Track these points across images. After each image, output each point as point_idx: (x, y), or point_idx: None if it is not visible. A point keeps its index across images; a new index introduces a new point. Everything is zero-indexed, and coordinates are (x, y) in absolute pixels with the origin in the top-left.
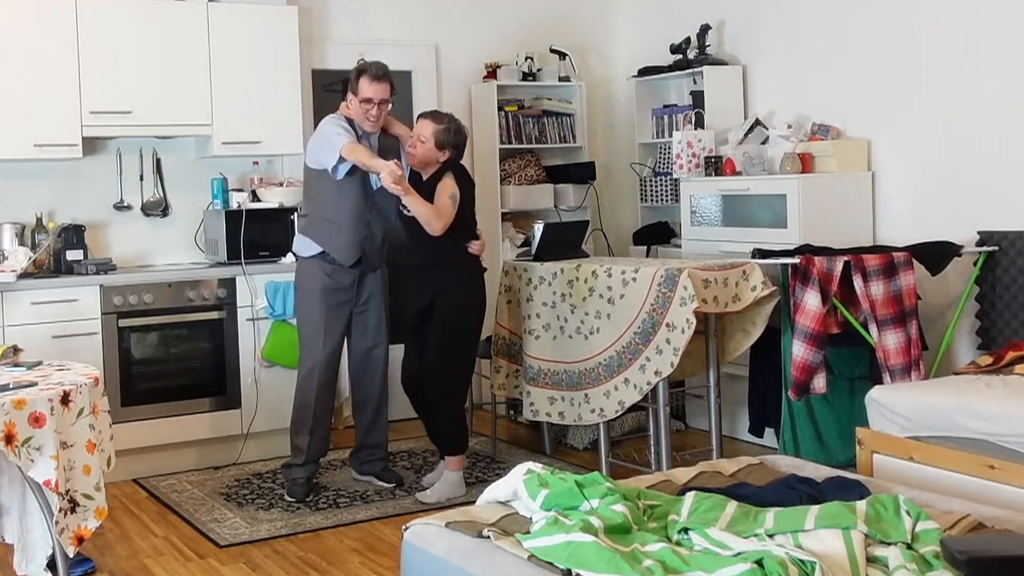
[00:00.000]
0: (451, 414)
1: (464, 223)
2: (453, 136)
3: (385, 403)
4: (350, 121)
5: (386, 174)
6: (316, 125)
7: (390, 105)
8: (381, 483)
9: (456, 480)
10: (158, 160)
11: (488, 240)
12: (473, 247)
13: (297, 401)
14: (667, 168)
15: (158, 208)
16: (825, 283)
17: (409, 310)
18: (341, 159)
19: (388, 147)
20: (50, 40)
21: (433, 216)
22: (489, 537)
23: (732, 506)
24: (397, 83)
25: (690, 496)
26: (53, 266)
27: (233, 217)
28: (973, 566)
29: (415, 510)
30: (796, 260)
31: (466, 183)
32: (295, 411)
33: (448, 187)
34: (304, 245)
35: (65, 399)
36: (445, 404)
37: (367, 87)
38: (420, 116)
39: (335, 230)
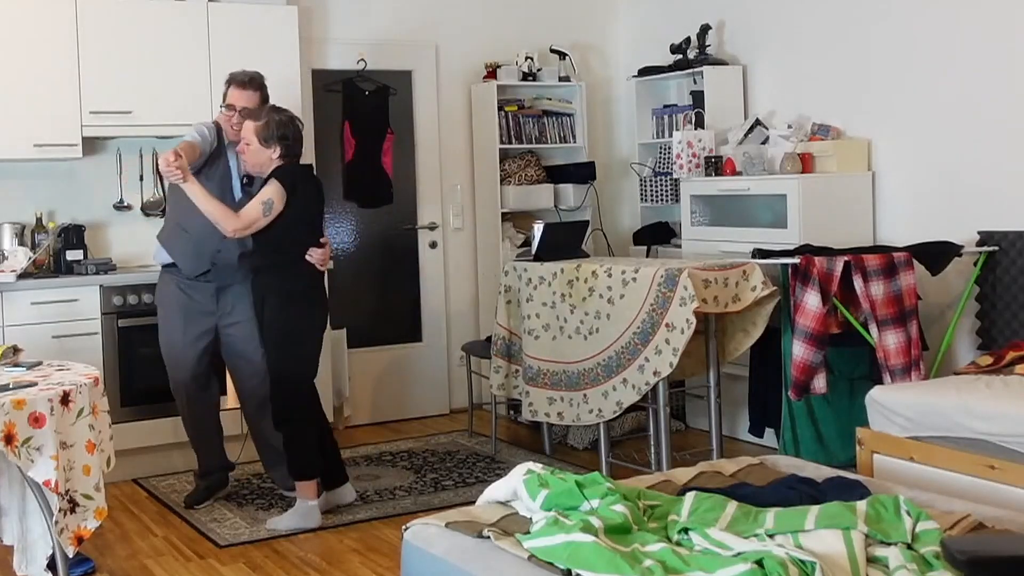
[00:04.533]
0: (290, 434)
1: (293, 231)
2: (276, 129)
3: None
4: (220, 128)
5: (160, 159)
6: (316, 125)
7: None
8: (285, 491)
9: (307, 509)
10: (158, 160)
11: (488, 240)
12: (312, 255)
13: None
14: (667, 168)
15: (158, 208)
16: (825, 283)
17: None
18: None
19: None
20: (50, 40)
21: (221, 216)
22: (489, 537)
23: (732, 506)
24: (397, 83)
25: (690, 496)
26: (53, 266)
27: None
28: (973, 566)
29: (415, 510)
30: (796, 260)
31: (300, 189)
32: None
33: (266, 192)
34: (160, 253)
35: (65, 399)
36: (282, 423)
37: (231, 93)
38: (243, 116)
39: (185, 237)
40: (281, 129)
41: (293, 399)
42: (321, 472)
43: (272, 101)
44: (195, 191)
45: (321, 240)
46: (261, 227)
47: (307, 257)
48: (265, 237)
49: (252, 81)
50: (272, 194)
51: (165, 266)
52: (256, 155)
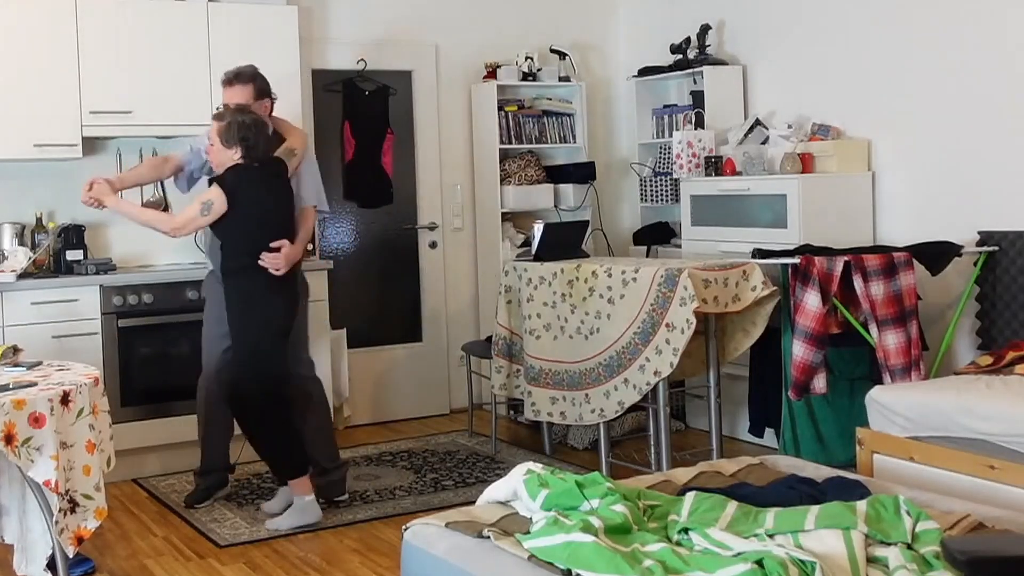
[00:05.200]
0: (260, 434)
1: (243, 234)
2: (238, 131)
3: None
4: None
5: (82, 192)
6: (316, 125)
7: (258, 107)
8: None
9: (304, 505)
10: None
11: (488, 240)
12: (264, 259)
13: None
14: (667, 168)
15: (158, 208)
16: (825, 283)
17: None
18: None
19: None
20: (50, 40)
21: (156, 220)
22: (489, 537)
23: (732, 506)
24: (397, 83)
25: (690, 496)
26: (53, 266)
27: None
28: (973, 566)
29: (415, 510)
30: (796, 260)
31: (245, 192)
32: None
33: (207, 194)
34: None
35: (65, 399)
36: (250, 425)
37: (223, 94)
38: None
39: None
40: (242, 131)
41: (252, 404)
42: (309, 466)
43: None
44: (121, 210)
45: (274, 244)
46: (202, 226)
47: (260, 261)
48: (224, 240)
49: (238, 76)
50: (213, 195)
51: (211, 270)
52: (218, 155)
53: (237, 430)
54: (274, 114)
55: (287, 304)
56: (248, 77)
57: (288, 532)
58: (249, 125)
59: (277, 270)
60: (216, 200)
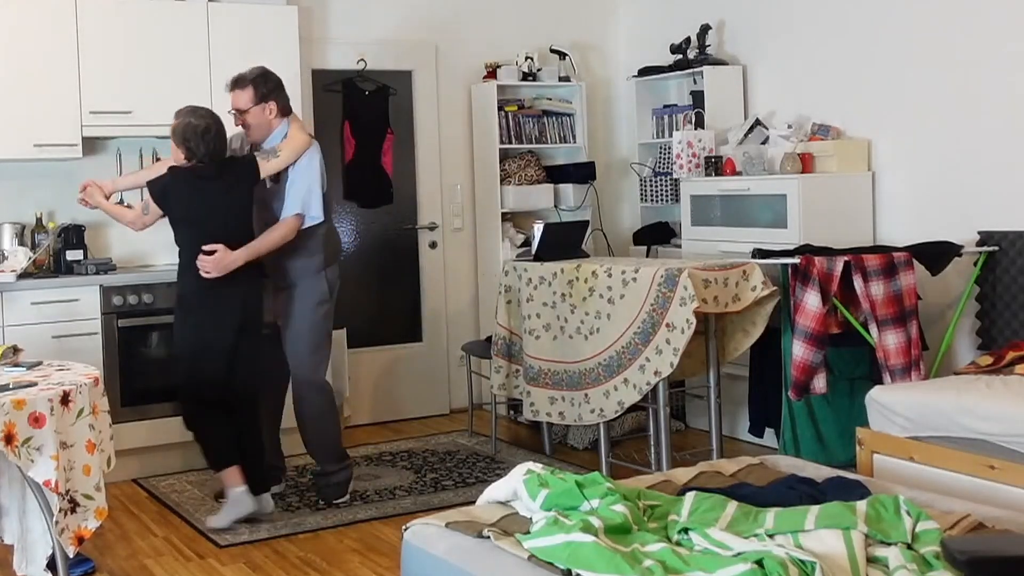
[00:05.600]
0: (192, 429)
1: (179, 236)
2: (181, 133)
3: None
4: None
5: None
6: (316, 125)
7: (256, 112)
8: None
9: (236, 496)
10: (158, 160)
11: (488, 240)
12: (198, 261)
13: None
14: (667, 168)
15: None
16: (825, 283)
17: None
18: None
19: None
20: (50, 40)
21: (119, 216)
22: (489, 537)
23: (732, 506)
24: (397, 83)
25: (690, 496)
26: (53, 266)
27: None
28: (973, 566)
29: (415, 510)
30: (796, 260)
31: (175, 195)
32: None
33: (147, 195)
34: None
35: (65, 399)
36: (184, 419)
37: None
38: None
39: None
40: (185, 133)
41: (186, 399)
42: (239, 462)
43: None
44: (104, 208)
45: (206, 248)
46: (149, 223)
47: (197, 263)
48: (175, 240)
49: (237, 82)
50: (148, 197)
51: None
52: (174, 153)
53: (284, 424)
54: (286, 117)
55: (218, 307)
56: (246, 81)
57: (228, 527)
58: (193, 128)
59: (207, 274)
60: (151, 202)
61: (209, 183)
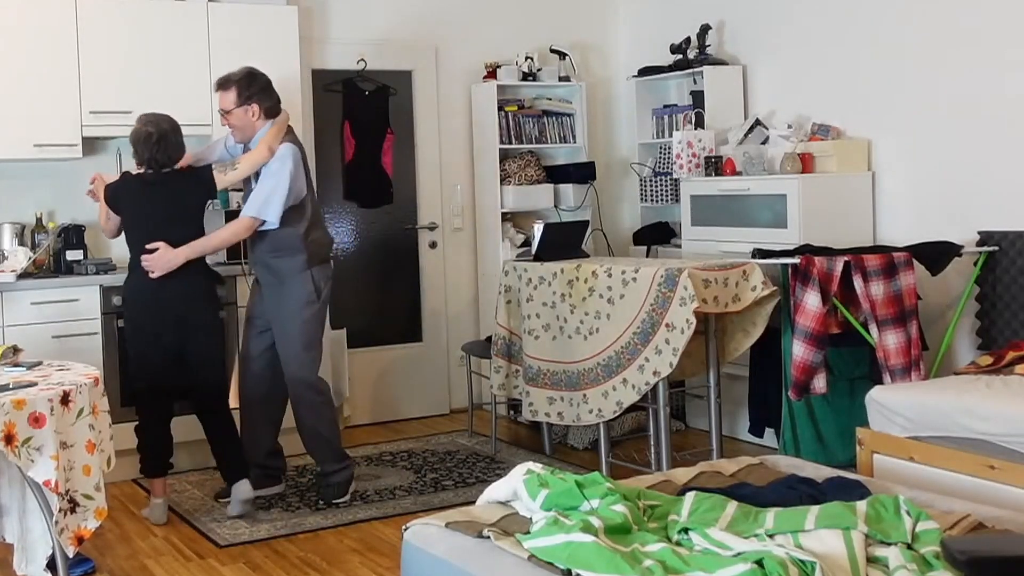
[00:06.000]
0: (137, 430)
1: (127, 238)
2: (131, 137)
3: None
4: None
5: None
6: (316, 125)
7: (239, 113)
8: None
9: (152, 505)
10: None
11: (488, 240)
12: (142, 260)
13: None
14: (667, 168)
15: None
16: (825, 283)
17: None
18: None
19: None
20: (50, 40)
21: (101, 221)
22: (489, 537)
23: (732, 506)
24: (397, 83)
25: (690, 496)
26: (53, 266)
27: (233, 217)
28: (973, 566)
29: (415, 510)
30: (796, 260)
31: (124, 198)
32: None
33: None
34: None
35: (65, 399)
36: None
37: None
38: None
39: None
40: (133, 138)
41: (138, 399)
42: (163, 474)
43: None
44: (101, 206)
45: (149, 246)
46: (114, 227)
47: (141, 261)
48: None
49: (222, 83)
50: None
51: None
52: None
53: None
54: (271, 119)
55: (155, 305)
56: (231, 82)
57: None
58: (143, 140)
59: (151, 272)
60: (106, 206)
61: (157, 189)
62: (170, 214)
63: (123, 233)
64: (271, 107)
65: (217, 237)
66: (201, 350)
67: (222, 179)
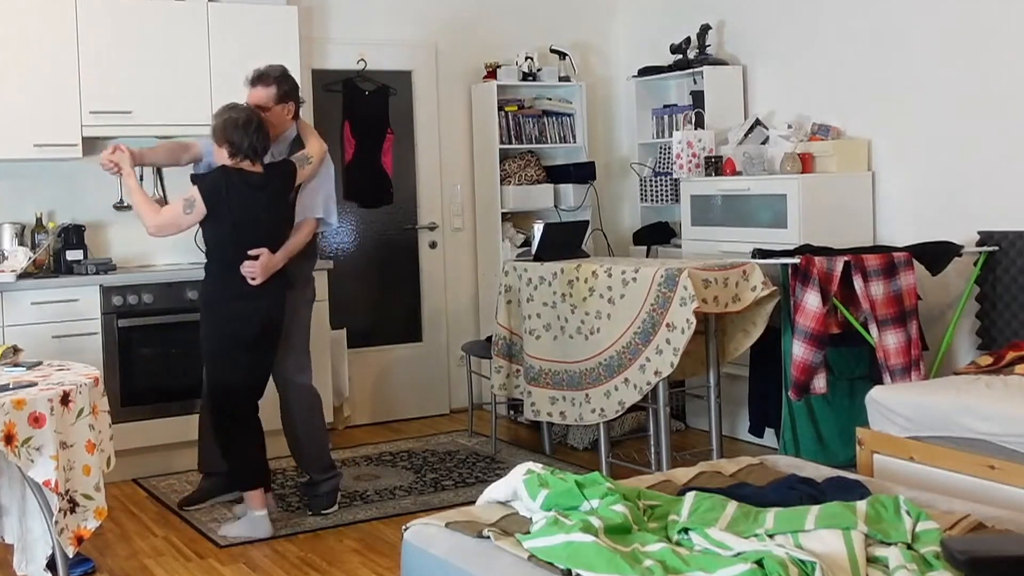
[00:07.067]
0: (223, 441)
1: (222, 238)
2: (223, 130)
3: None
4: None
5: (103, 153)
6: (316, 125)
7: (277, 111)
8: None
9: (254, 520)
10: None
11: (488, 240)
12: (243, 267)
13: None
14: (667, 168)
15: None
16: (825, 283)
17: None
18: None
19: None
20: (50, 40)
21: (144, 212)
22: (489, 537)
23: (732, 506)
24: (397, 83)
25: (690, 496)
26: (53, 266)
27: None
28: (973, 566)
29: (415, 510)
30: (796, 260)
31: (226, 196)
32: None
33: (189, 192)
34: None
35: (65, 399)
36: (215, 430)
37: (247, 93)
38: None
39: None
40: (228, 131)
41: (217, 410)
42: (265, 481)
43: None
44: (128, 185)
45: (252, 252)
46: (185, 226)
47: (242, 268)
48: (206, 241)
49: (260, 78)
50: (194, 194)
51: None
52: (216, 152)
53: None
54: (299, 118)
55: (256, 314)
56: (272, 79)
57: (237, 541)
58: (240, 126)
59: (253, 279)
60: (197, 200)
61: (260, 186)
62: (273, 215)
63: (202, 232)
64: (299, 107)
65: (296, 241)
66: (264, 362)
67: (300, 173)
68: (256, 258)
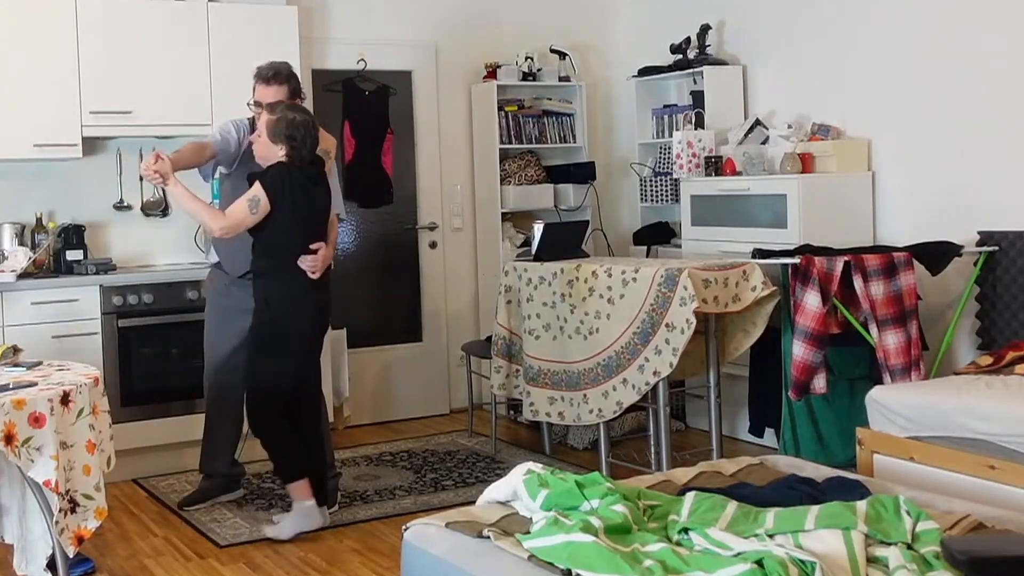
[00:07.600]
0: (265, 437)
1: (282, 235)
2: (286, 128)
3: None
4: (255, 124)
5: (142, 163)
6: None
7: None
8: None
9: (305, 509)
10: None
11: (488, 240)
12: (303, 261)
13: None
14: (667, 168)
15: (158, 208)
16: (825, 283)
17: None
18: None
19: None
20: (50, 40)
21: (207, 216)
22: (489, 537)
23: (732, 506)
24: (397, 83)
25: (690, 496)
26: (53, 266)
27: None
28: (973, 566)
29: (415, 510)
30: (796, 260)
31: (289, 193)
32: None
33: (252, 191)
34: (211, 251)
35: (65, 399)
36: (256, 426)
37: (256, 89)
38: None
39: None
40: (290, 129)
41: (265, 405)
42: (310, 474)
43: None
44: (177, 193)
45: (312, 246)
46: (250, 225)
47: (299, 263)
48: (259, 239)
49: (276, 75)
50: (257, 192)
51: (214, 264)
52: (264, 148)
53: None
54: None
55: (318, 310)
56: (284, 77)
57: (292, 538)
58: (299, 124)
59: (313, 273)
60: (262, 198)
61: (313, 182)
62: (323, 207)
63: (256, 230)
64: (302, 101)
65: (335, 237)
66: (317, 360)
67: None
68: (315, 252)
